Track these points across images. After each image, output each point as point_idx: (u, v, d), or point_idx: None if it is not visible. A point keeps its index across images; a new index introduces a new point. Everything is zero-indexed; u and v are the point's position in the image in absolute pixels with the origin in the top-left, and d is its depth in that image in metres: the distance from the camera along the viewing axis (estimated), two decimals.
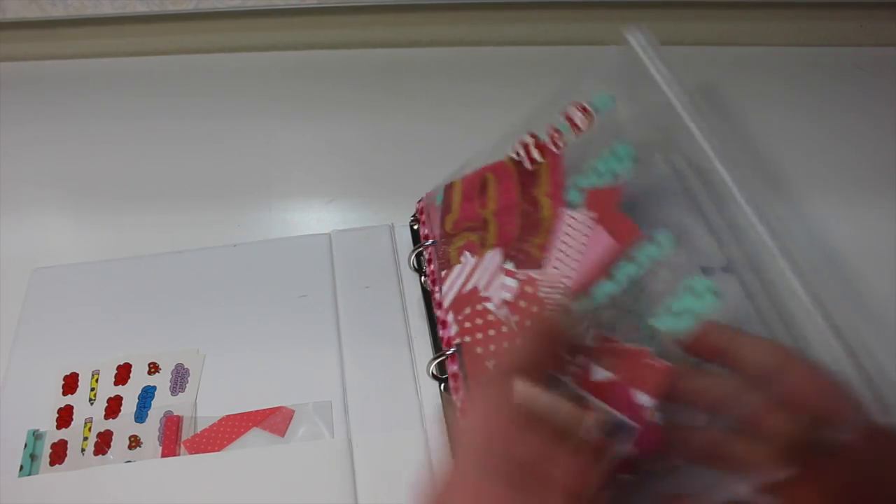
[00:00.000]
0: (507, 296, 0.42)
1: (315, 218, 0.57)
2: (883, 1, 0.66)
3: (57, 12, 0.69)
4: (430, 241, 0.50)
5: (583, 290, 0.41)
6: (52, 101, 0.69)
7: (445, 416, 0.43)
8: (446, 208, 0.49)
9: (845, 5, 0.67)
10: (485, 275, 0.44)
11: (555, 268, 0.42)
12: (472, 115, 0.65)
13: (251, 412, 0.44)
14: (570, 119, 0.46)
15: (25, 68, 0.74)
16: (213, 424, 0.43)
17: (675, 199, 0.50)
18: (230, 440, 0.43)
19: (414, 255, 0.50)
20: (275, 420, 0.44)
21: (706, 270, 0.46)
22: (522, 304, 0.42)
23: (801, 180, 0.56)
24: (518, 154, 0.48)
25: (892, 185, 0.55)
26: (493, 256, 0.44)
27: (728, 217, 0.50)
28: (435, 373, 0.44)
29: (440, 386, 0.44)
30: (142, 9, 0.69)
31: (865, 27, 0.69)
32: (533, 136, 0.47)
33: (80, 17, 0.70)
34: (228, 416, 0.44)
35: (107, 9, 0.69)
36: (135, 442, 0.43)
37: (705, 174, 0.50)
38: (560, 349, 0.35)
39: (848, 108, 0.62)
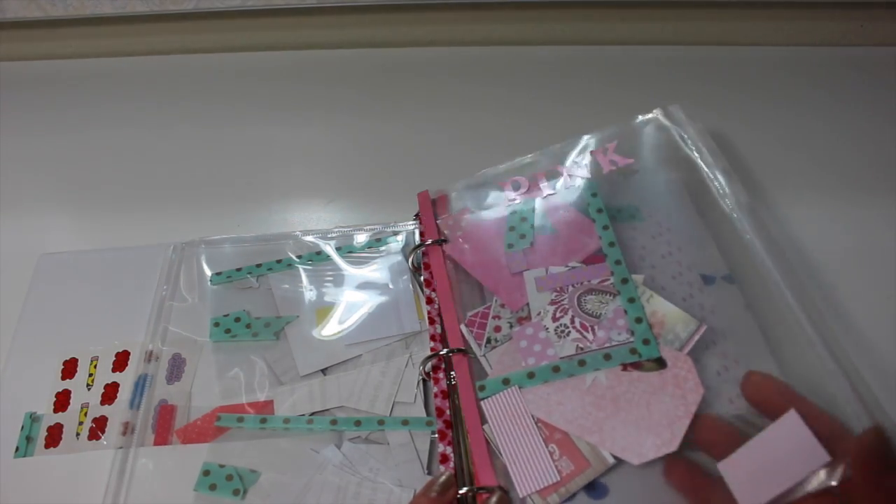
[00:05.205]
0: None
1: (315, 218, 0.57)
2: (883, 1, 0.66)
3: (57, 12, 0.69)
4: (430, 240, 0.50)
5: None
6: (52, 101, 0.69)
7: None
8: None
9: (845, 5, 0.67)
10: None
11: None
12: (471, 115, 0.65)
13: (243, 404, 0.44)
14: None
15: (25, 68, 0.74)
16: (206, 415, 0.44)
17: (679, 205, 0.50)
18: (222, 431, 0.43)
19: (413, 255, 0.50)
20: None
21: (707, 278, 0.46)
22: None
23: (800, 180, 0.56)
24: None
25: (891, 185, 0.55)
26: None
27: (728, 228, 0.50)
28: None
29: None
30: (141, 9, 0.69)
31: (865, 27, 0.69)
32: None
33: (80, 17, 0.70)
34: (221, 406, 0.44)
35: (107, 9, 0.69)
36: (128, 428, 0.43)
37: (705, 184, 0.50)
38: None
39: (848, 108, 0.62)
